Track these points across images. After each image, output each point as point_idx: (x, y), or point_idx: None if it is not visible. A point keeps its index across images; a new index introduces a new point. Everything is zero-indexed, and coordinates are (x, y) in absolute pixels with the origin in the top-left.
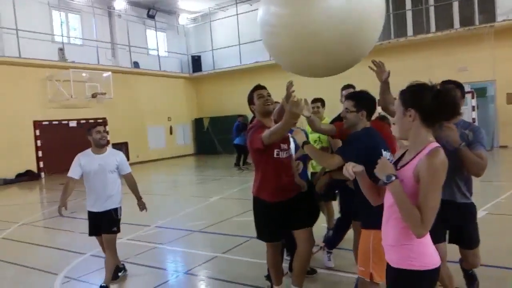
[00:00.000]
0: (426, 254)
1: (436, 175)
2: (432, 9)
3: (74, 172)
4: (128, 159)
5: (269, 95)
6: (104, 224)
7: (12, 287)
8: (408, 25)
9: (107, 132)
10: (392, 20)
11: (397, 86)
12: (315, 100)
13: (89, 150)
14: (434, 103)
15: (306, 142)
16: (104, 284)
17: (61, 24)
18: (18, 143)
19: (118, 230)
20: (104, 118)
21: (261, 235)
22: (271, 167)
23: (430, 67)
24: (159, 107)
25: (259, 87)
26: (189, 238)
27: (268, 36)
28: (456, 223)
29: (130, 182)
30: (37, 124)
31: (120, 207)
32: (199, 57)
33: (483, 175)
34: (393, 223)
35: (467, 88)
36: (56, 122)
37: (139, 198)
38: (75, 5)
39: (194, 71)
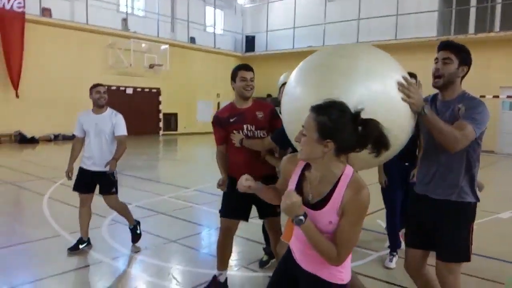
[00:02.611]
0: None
1: (365, 212)
2: (499, 7)
3: (76, 130)
4: (176, 129)
5: (252, 80)
6: (102, 186)
7: (69, 223)
8: (471, 22)
9: (106, 93)
10: (454, 16)
11: None
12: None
13: (89, 109)
14: (355, 137)
15: None
16: (132, 226)
17: None
18: (79, 104)
19: (116, 191)
20: (158, 89)
21: (221, 208)
22: (231, 143)
23: (487, 68)
24: (210, 83)
25: (244, 68)
26: None
27: (285, 102)
28: (432, 220)
29: (119, 143)
30: None
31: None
32: (253, 37)
33: None
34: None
35: None
36: (114, 88)
37: (114, 158)
38: None
39: (247, 50)
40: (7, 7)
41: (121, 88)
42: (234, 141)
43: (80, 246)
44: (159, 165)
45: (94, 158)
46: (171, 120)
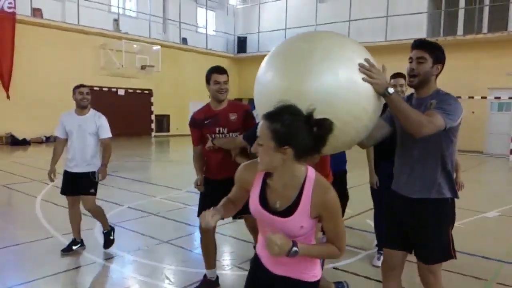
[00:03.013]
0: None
1: (339, 207)
2: (486, 9)
3: (58, 131)
4: (168, 131)
5: (226, 83)
6: (82, 185)
7: (62, 224)
8: (459, 24)
9: (89, 94)
10: (443, 18)
11: (441, 85)
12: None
13: (72, 110)
14: (312, 139)
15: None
16: (106, 230)
17: None
18: (71, 105)
19: (96, 192)
20: (150, 90)
21: (198, 209)
22: (204, 145)
23: (476, 69)
24: (202, 84)
25: (217, 71)
26: None
27: (257, 93)
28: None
29: (105, 146)
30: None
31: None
32: (245, 38)
33: None
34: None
35: None
36: (106, 89)
37: (103, 164)
38: None
39: (238, 51)
40: None
41: (112, 90)
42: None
43: (74, 247)
44: (151, 166)
45: (76, 159)
46: (163, 122)
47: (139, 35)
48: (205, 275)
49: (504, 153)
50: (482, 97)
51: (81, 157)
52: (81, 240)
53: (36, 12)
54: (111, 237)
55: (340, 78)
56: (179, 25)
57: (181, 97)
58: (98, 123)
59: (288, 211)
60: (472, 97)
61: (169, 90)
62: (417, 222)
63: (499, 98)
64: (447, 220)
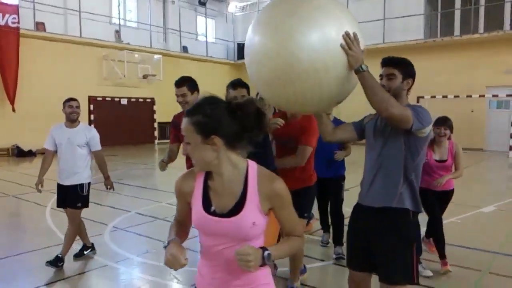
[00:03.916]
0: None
1: (288, 192)
2: (482, 10)
3: (47, 143)
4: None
5: (184, 96)
6: (69, 198)
7: None
8: (456, 24)
9: (79, 108)
10: (439, 19)
11: (440, 85)
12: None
13: (62, 123)
14: (238, 123)
15: None
16: (60, 255)
17: (118, 6)
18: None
19: (84, 206)
20: (152, 98)
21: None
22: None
23: (474, 68)
24: (204, 90)
25: (175, 84)
26: None
27: (248, 63)
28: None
29: (98, 159)
30: (91, 100)
31: (88, 183)
32: (244, 44)
33: None
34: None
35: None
36: (109, 99)
37: (106, 177)
38: None
39: (239, 58)
40: (2, 23)
41: (115, 99)
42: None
43: (85, 252)
44: (156, 173)
45: (66, 171)
46: (166, 129)
47: (140, 45)
48: None
49: (503, 149)
50: (480, 96)
51: (71, 169)
52: (92, 244)
53: (40, 25)
54: (85, 252)
55: (328, 35)
56: (179, 33)
57: None
58: (89, 136)
59: (236, 209)
60: (471, 96)
61: (171, 98)
62: (378, 235)
63: (497, 96)
64: (408, 236)
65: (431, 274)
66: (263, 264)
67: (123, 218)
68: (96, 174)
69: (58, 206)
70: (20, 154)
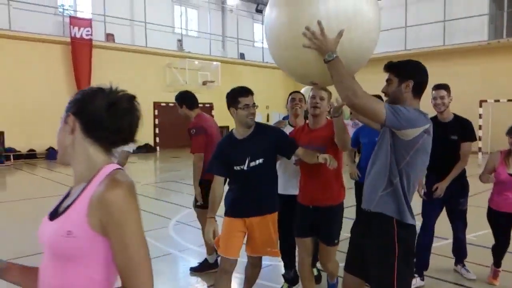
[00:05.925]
0: None
1: (129, 210)
2: None
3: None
4: None
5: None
6: None
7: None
8: None
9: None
10: (506, 19)
11: (505, 88)
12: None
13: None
14: (108, 113)
15: None
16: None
17: (180, 16)
18: (141, 120)
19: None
20: (211, 103)
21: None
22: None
23: None
24: (259, 95)
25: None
26: None
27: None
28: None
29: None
30: (156, 105)
31: None
32: None
33: None
34: None
35: None
36: (172, 104)
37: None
38: (193, 1)
39: None
40: (78, 35)
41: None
42: None
43: None
44: None
45: None
46: (223, 133)
47: (200, 53)
48: (205, 259)
49: None
50: None
51: None
52: None
53: (109, 37)
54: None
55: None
56: (237, 41)
57: None
58: None
59: (59, 211)
60: None
61: None
62: (364, 240)
63: None
64: (388, 245)
65: (474, 277)
66: None
67: (185, 213)
68: (161, 174)
69: None
70: None
